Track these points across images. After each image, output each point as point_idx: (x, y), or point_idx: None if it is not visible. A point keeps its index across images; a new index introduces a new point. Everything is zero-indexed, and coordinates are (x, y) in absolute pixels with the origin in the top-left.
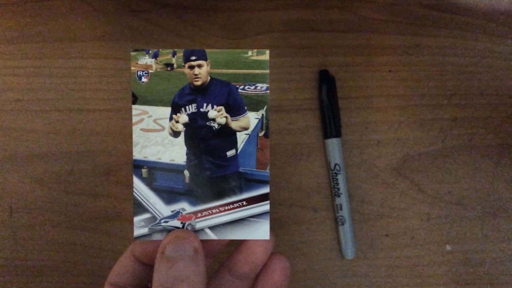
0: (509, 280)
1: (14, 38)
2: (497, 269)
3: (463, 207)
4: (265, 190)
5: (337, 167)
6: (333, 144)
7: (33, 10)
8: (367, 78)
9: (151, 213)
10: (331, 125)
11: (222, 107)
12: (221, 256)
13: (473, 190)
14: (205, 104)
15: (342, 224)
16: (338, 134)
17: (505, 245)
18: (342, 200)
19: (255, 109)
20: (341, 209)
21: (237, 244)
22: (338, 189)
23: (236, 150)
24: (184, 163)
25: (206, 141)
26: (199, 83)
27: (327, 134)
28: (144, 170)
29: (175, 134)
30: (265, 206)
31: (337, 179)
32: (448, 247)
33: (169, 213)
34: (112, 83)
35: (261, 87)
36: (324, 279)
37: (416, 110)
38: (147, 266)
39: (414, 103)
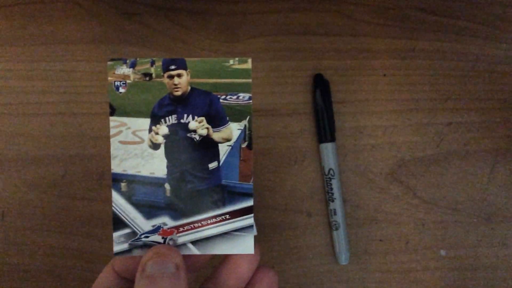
0: (503, 285)
1: (6, 40)
2: (492, 274)
3: (458, 212)
4: (249, 203)
5: (331, 171)
6: (328, 148)
7: (25, 13)
8: (361, 82)
9: (131, 228)
10: (325, 129)
11: (203, 118)
12: (206, 270)
13: (467, 195)
14: (185, 115)
15: (336, 229)
16: (332, 139)
17: (499, 250)
18: (336, 205)
19: (237, 119)
20: (335, 214)
21: (222, 259)
22: (332, 194)
23: (219, 162)
24: (165, 176)
25: (187, 153)
26: (179, 93)
27: (321, 139)
28: (123, 184)
29: (155, 146)
30: (249, 220)
31: (331, 184)
32: (442, 252)
33: (150, 228)
34: (105, 86)
35: (244, 97)
36: (318, 284)
37: (410, 115)
38: (128, 281)
39: (409, 107)
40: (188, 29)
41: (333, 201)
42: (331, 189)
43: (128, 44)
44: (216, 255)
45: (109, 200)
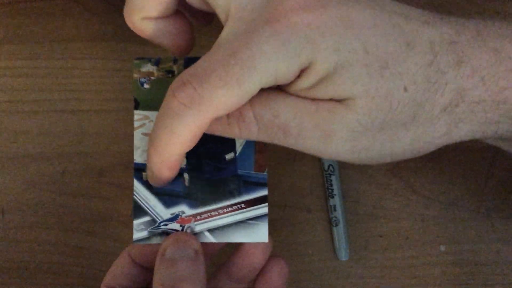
0: (503, 280)
1: (6, 38)
2: (492, 269)
3: (457, 207)
4: (263, 192)
5: (331, 167)
6: None
7: (25, 11)
8: None
9: (151, 216)
10: None
11: None
12: (219, 258)
13: (467, 191)
14: None
15: (336, 225)
16: None
17: (499, 245)
18: (336, 201)
19: None
20: (335, 210)
21: (236, 247)
22: (332, 190)
23: (235, 153)
24: (184, 166)
25: (205, 145)
26: None
27: None
28: (144, 174)
29: None
30: (263, 209)
31: (331, 180)
32: (442, 248)
33: (169, 216)
34: (104, 83)
35: None
36: (317, 280)
37: None
38: (144, 269)
39: None
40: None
41: (332, 197)
42: (331, 185)
43: (127, 42)
44: (231, 243)
45: (109, 197)
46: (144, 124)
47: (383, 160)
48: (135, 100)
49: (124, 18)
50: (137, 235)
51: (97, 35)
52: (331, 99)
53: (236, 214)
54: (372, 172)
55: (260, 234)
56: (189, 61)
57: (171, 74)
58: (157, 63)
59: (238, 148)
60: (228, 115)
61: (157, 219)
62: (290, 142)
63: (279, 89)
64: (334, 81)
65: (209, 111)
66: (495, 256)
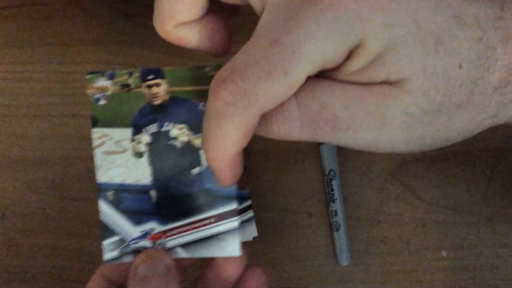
0: (505, 285)
1: (6, 42)
2: (493, 274)
3: (459, 212)
4: (233, 206)
5: (332, 172)
6: (328, 149)
7: (25, 15)
8: None
9: (120, 235)
10: None
11: (184, 125)
12: (195, 271)
13: (468, 195)
14: (166, 123)
15: (337, 229)
16: None
17: (501, 250)
18: (337, 205)
19: None
20: (336, 214)
21: (210, 261)
22: (333, 194)
23: (201, 167)
24: (150, 183)
25: (170, 160)
26: (158, 102)
27: None
28: (109, 193)
29: (138, 155)
30: (233, 223)
31: (332, 185)
32: (443, 253)
33: (139, 234)
34: None
35: None
36: (318, 285)
37: None
38: (118, 287)
39: None
40: None
41: (333, 201)
42: (332, 189)
43: (127, 46)
44: (203, 258)
45: None
46: (103, 142)
47: (434, 147)
48: (92, 118)
49: (126, 22)
50: (108, 255)
51: (98, 39)
52: (384, 82)
53: (207, 228)
54: (373, 176)
55: (231, 248)
56: (146, 73)
57: (126, 88)
58: (111, 76)
59: (204, 162)
60: None
61: (126, 238)
62: (337, 137)
63: (325, 77)
64: (387, 60)
65: (256, 106)
66: (497, 261)
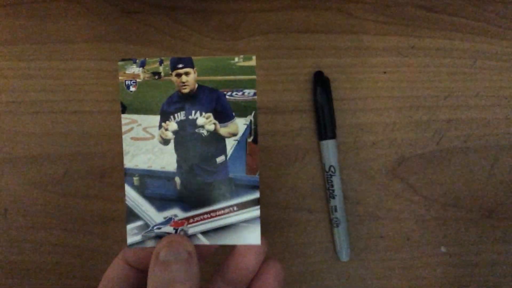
0: (504, 281)
1: (8, 40)
2: (493, 270)
3: (458, 208)
4: (255, 195)
5: (332, 168)
6: (328, 145)
7: (27, 12)
8: (362, 79)
9: (144, 220)
10: (326, 126)
11: (210, 114)
12: (213, 261)
13: (468, 192)
14: (193, 111)
15: (337, 226)
16: (333, 136)
17: (500, 246)
18: (337, 202)
19: (243, 115)
20: (336, 210)
21: (230, 251)
22: (333, 190)
23: (226, 156)
24: (175, 170)
25: (196, 148)
26: (186, 90)
27: (322, 136)
28: (135, 178)
29: (165, 141)
30: (255, 211)
31: (332, 181)
32: (443, 249)
33: (162, 220)
34: (106, 84)
35: (249, 93)
36: (319, 281)
37: (411, 112)
38: (139, 271)
39: (409, 104)
40: (189, 28)
41: (334, 198)
42: (332, 186)
43: (129, 43)
44: (224, 245)
45: (110, 198)
46: (132, 128)
47: None
48: (122, 104)
49: (127, 19)
50: (131, 239)
51: (99, 36)
52: None
53: (229, 216)
54: (374, 173)
55: (252, 237)
56: (176, 62)
57: (157, 76)
58: (142, 64)
59: (229, 151)
60: None
61: (150, 223)
62: None
63: None
64: None
65: None
66: (496, 257)
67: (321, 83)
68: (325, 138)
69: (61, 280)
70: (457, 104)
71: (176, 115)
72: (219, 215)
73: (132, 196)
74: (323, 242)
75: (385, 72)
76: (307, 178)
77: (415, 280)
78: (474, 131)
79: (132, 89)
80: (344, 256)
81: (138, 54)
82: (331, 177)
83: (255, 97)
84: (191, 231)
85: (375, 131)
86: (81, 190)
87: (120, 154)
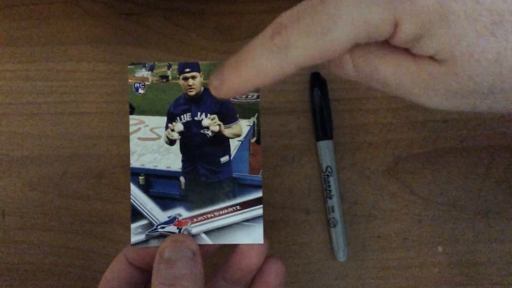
0: (501, 281)
1: (5, 41)
2: (489, 270)
3: (455, 208)
4: (258, 194)
5: (329, 169)
6: (325, 146)
7: (25, 14)
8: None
9: (148, 219)
10: (323, 127)
11: (215, 116)
12: (215, 260)
13: (464, 191)
14: (199, 113)
15: (334, 226)
16: (330, 136)
17: (497, 246)
18: (334, 202)
19: (246, 116)
20: (333, 211)
21: (232, 249)
22: (330, 191)
23: (230, 156)
24: (180, 170)
25: (200, 148)
26: (193, 93)
27: (319, 136)
28: (141, 178)
29: (171, 142)
30: (258, 210)
31: (329, 181)
32: (440, 249)
33: (166, 219)
34: (104, 86)
35: (252, 96)
36: (316, 281)
37: (407, 112)
38: (141, 271)
39: (405, 105)
40: (186, 29)
41: (331, 198)
42: (329, 186)
43: (126, 45)
44: (227, 244)
45: (108, 199)
46: (139, 128)
47: (495, 111)
48: (130, 105)
49: (125, 21)
50: (135, 238)
51: (97, 37)
52: (432, 58)
53: (232, 216)
54: (370, 173)
55: (255, 236)
56: (183, 66)
57: (165, 79)
58: (151, 68)
59: (233, 151)
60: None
61: (154, 222)
62: (389, 91)
63: (381, 43)
64: (435, 35)
65: (294, 58)
66: (492, 256)
67: (318, 84)
68: (322, 139)
69: (60, 281)
70: None
71: (182, 116)
72: (222, 215)
73: (137, 195)
74: (320, 242)
75: None
76: (304, 178)
77: (412, 279)
78: (470, 131)
79: (141, 91)
80: (341, 256)
81: (135, 56)
82: (328, 178)
83: (259, 99)
84: (194, 230)
85: (371, 132)
86: (79, 191)
87: (118, 155)
